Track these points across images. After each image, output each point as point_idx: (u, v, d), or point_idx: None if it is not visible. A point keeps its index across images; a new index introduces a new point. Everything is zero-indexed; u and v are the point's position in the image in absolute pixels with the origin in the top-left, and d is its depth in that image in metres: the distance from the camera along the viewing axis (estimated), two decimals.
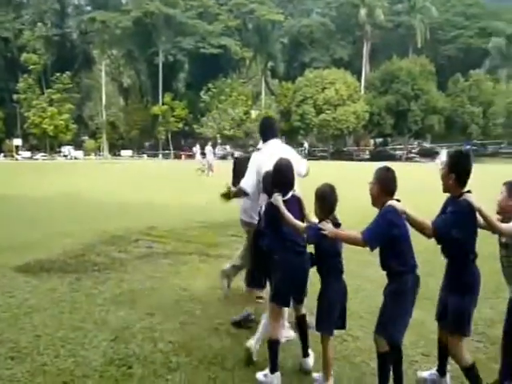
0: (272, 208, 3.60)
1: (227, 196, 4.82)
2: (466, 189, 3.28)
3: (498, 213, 3.40)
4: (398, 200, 3.27)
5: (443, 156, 38.00)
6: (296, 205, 3.66)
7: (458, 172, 3.25)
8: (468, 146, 59.49)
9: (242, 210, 4.92)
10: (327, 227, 3.28)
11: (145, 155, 65.39)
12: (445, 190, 3.36)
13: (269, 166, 3.88)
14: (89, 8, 74.06)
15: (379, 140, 67.26)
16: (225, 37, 66.78)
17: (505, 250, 3.43)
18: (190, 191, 18.16)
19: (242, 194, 4.64)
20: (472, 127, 57.47)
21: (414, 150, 61.73)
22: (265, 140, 4.72)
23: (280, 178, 3.67)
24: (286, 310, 3.94)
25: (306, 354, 3.80)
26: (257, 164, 4.47)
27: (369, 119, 57.85)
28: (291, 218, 3.47)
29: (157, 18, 63.91)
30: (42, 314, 4.85)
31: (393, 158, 55.91)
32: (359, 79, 63.27)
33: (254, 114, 60.49)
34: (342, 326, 3.57)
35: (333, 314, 3.44)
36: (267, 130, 4.76)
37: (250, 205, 4.75)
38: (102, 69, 68.45)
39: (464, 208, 3.18)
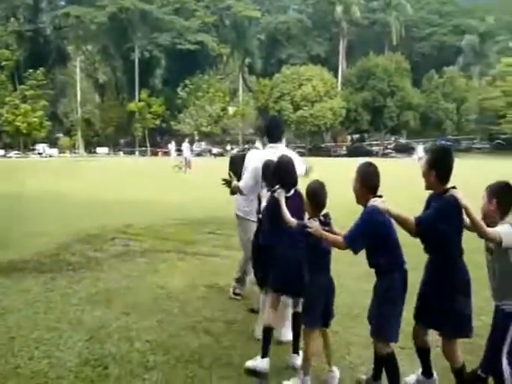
0: (273, 203, 3.70)
1: (229, 183, 4.78)
2: (449, 185, 3.19)
3: (482, 219, 3.21)
4: (381, 196, 3.22)
5: (420, 151, 38.58)
6: (298, 201, 3.69)
7: (438, 168, 3.17)
8: (442, 142, 60.62)
9: (237, 206, 5.03)
10: (314, 225, 3.28)
11: (121, 152, 64.59)
12: (427, 187, 3.28)
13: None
14: (63, 3, 72.54)
15: (356, 136, 67.83)
16: (202, 33, 66.37)
17: (490, 256, 3.30)
18: (167, 188, 18.03)
19: (239, 192, 4.73)
20: (446, 123, 58.47)
21: (390, 146, 62.49)
22: (272, 141, 4.68)
23: (283, 174, 3.75)
24: (290, 311, 3.95)
25: (295, 351, 3.80)
26: (255, 167, 4.47)
27: (346, 115, 58.30)
28: (286, 214, 3.54)
29: (132, 14, 63.13)
30: (16, 315, 4.75)
31: (369, 153, 56.43)
32: (336, 76, 63.65)
33: (231, 110, 60.42)
34: (324, 324, 3.55)
35: (315, 309, 3.43)
36: (276, 131, 4.75)
37: (245, 202, 4.82)
38: (76, 65, 67.26)
39: (450, 203, 3.10)
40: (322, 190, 3.48)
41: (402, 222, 3.17)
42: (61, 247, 7.69)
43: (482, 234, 3.09)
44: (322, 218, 3.43)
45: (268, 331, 3.65)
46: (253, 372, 3.57)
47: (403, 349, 3.76)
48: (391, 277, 3.21)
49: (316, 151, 59.59)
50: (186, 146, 28.83)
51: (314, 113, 56.34)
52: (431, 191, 3.30)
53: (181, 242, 8.15)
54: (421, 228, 3.14)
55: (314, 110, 56.49)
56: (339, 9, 66.19)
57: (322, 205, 3.47)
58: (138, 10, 62.65)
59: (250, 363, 3.62)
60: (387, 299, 3.20)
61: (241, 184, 4.65)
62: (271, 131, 4.73)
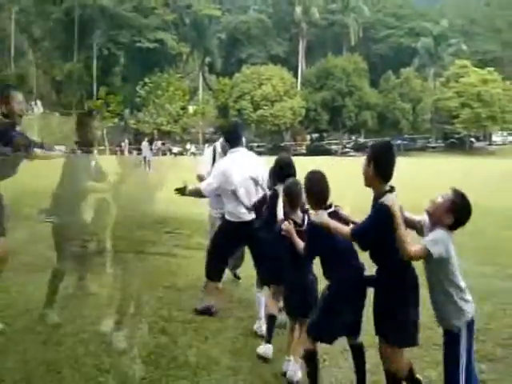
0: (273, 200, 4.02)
1: (181, 191, 4.82)
2: (389, 184, 3.01)
3: (430, 218, 3.02)
4: (330, 206, 3.20)
5: None
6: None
7: (377, 164, 2.97)
8: (399, 141, 62.15)
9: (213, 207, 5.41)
10: (323, 218, 3.15)
11: (78, 151, 62.65)
12: (366, 184, 3.07)
13: (240, 176, 4.48)
14: None
15: (315, 135, 68.58)
16: (161, 31, 65.60)
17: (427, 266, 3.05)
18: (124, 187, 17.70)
19: (199, 195, 4.84)
20: (403, 123, 59.96)
21: (348, 145, 63.54)
22: (232, 146, 4.78)
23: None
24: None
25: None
26: (222, 171, 4.63)
27: (305, 115, 58.91)
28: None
29: (90, 10, 61.70)
30: None
31: (329, 152, 57.22)
32: (296, 75, 64.18)
33: (191, 109, 59.97)
34: (303, 315, 3.60)
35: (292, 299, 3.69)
36: (236, 137, 4.84)
37: (220, 204, 4.99)
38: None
39: (381, 212, 2.90)
40: (323, 180, 3.36)
41: (341, 235, 3.08)
42: (16, 248, 7.46)
43: (404, 253, 2.85)
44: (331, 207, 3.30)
45: (272, 318, 3.98)
46: (263, 358, 3.89)
47: None
48: (336, 282, 3.25)
49: (276, 150, 59.82)
50: (145, 145, 28.33)
51: (273, 112, 56.66)
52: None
53: (138, 241, 8.06)
54: (356, 240, 3.06)
55: (273, 109, 56.81)
56: (299, 10, 66.83)
57: (325, 196, 3.34)
58: (96, 5, 61.31)
59: (260, 350, 3.93)
60: (327, 300, 3.24)
61: (202, 186, 4.76)
62: (231, 137, 4.84)
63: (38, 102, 53.19)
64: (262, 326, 4.35)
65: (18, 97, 4.10)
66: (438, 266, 2.91)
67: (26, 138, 4.10)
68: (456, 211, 2.89)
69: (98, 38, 62.82)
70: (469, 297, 3.00)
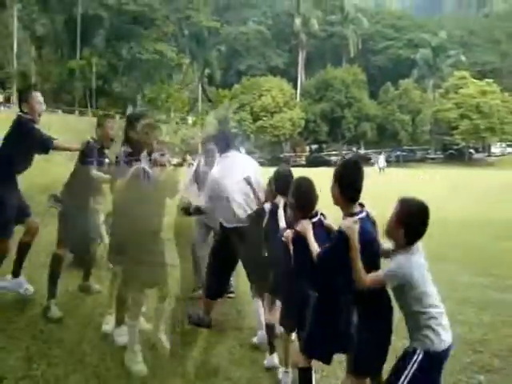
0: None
1: (187, 211, 4.82)
2: (359, 202, 2.91)
3: (387, 236, 2.85)
4: (362, 205, 2.98)
5: (381, 162, 39.77)
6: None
7: (342, 184, 2.84)
8: (398, 152, 62.41)
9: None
10: (303, 227, 3.08)
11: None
12: (335, 203, 2.94)
13: (232, 180, 4.34)
14: None
15: (315, 146, 68.82)
16: (161, 42, 66.00)
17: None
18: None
19: (201, 213, 4.82)
20: (402, 134, 60.18)
21: (347, 156, 63.70)
22: (222, 151, 4.67)
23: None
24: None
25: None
26: (213, 179, 4.49)
27: (304, 126, 59.14)
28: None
29: (91, 16, 61.64)
30: None
31: (328, 163, 57.30)
32: (295, 87, 64.55)
33: (190, 120, 60.19)
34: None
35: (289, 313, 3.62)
36: (224, 141, 4.71)
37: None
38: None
39: (338, 239, 2.79)
40: (310, 186, 3.26)
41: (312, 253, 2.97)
42: None
43: (359, 283, 2.72)
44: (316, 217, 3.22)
45: (271, 329, 3.98)
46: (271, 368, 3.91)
47: None
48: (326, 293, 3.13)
49: (275, 161, 59.97)
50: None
51: (273, 123, 56.88)
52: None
53: None
54: (320, 265, 2.91)
55: (273, 120, 57.05)
56: (298, 21, 67.37)
57: (312, 203, 3.24)
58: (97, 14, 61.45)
59: (267, 363, 3.94)
60: (318, 313, 3.13)
61: (203, 205, 4.66)
62: (220, 143, 4.78)
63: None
64: (259, 337, 4.33)
65: (39, 97, 4.50)
66: (399, 292, 2.74)
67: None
68: (404, 222, 2.70)
69: (100, 46, 62.84)
70: (440, 327, 2.70)
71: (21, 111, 4.45)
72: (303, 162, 61.02)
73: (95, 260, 4.54)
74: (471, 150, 62.80)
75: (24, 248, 4.57)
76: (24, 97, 4.51)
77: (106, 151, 4.60)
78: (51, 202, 4.41)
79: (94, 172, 4.37)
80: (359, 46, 70.57)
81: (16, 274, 4.55)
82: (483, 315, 5.37)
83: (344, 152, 64.38)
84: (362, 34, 70.92)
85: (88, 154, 4.23)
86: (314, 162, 56.86)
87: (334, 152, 64.75)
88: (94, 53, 60.69)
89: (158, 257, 3.60)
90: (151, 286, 3.63)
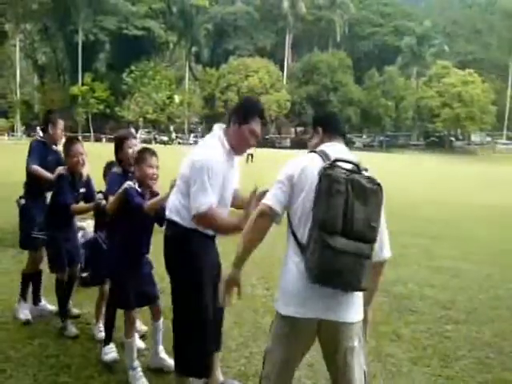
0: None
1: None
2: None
3: None
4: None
5: None
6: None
7: None
8: (381, 138, 63.31)
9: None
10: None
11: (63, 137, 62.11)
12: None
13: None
14: None
15: (300, 129, 69.27)
16: (148, 19, 65.32)
17: None
18: None
19: None
20: (385, 119, 60.98)
21: None
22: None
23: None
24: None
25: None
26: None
27: (290, 108, 59.49)
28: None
29: None
30: None
31: None
32: (282, 69, 64.64)
33: (177, 98, 60.05)
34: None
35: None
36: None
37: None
38: (16, 44, 63.92)
39: None
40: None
41: None
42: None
43: None
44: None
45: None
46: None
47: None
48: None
49: (261, 142, 60.46)
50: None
51: None
52: None
53: None
54: None
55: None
56: (286, 3, 67.11)
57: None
58: None
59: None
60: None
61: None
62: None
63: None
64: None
65: (61, 123, 4.61)
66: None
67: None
68: None
69: (83, 22, 62.16)
70: None
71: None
72: (288, 144, 61.56)
73: (76, 282, 4.41)
74: (452, 138, 64.09)
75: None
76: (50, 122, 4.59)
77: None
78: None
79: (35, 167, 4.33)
80: (346, 31, 70.71)
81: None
82: (453, 281, 6.09)
83: None
84: (348, 18, 71.01)
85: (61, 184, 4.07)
86: (299, 144, 57.38)
87: None
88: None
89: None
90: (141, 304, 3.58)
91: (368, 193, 2.11)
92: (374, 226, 2.12)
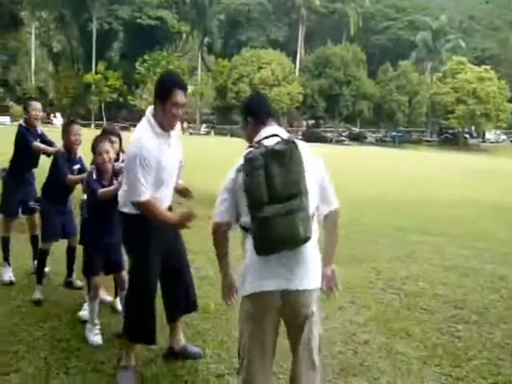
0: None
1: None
2: None
3: None
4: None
5: None
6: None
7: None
8: (394, 133, 62.89)
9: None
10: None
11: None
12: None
13: None
14: None
15: (312, 122, 69.01)
16: (162, 9, 65.25)
17: None
18: None
19: None
20: (398, 115, 60.46)
21: (344, 134, 64.14)
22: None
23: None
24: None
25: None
26: None
27: (302, 101, 59.16)
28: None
29: None
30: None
31: (324, 139, 57.77)
32: (294, 61, 64.28)
33: (189, 88, 60.00)
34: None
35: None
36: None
37: None
38: (31, 31, 64.46)
39: None
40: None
41: None
42: None
43: None
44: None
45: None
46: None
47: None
48: None
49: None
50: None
51: (271, 96, 56.73)
52: None
53: None
54: None
55: (271, 93, 56.98)
56: None
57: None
58: None
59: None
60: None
61: None
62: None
63: (58, 114, 54.48)
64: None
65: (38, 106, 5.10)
66: None
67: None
68: None
69: (98, 11, 62.37)
70: None
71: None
72: (300, 137, 61.43)
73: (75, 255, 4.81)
74: (466, 135, 63.46)
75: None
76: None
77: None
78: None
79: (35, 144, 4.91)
80: (360, 25, 70.03)
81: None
82: (466, 280, 6.02)
83: (340, 129, 64.73)
84: (363, 12, 70.31)
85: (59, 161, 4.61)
86: (311, 137, 57.20)
87: (330, 128, 65.07)
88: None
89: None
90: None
91: (283, 154, 2.25)
92: (297, 181, 2.25)
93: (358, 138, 62.24)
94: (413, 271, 6.15)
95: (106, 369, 3.35)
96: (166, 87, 3.08)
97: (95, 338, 3.71)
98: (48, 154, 4.80)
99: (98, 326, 3.79)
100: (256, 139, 2.53)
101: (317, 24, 73.30)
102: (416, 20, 70.61)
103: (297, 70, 63.89)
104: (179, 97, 3.05)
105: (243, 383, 2.47)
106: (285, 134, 2.50)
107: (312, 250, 2.45)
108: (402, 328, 4.34)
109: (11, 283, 4.78)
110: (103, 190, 3.67)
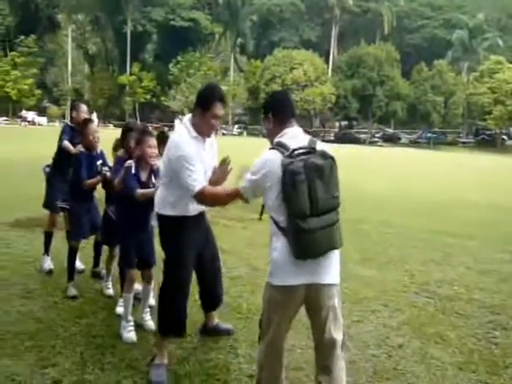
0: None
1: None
2: None
3: None
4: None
5: None
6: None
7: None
8: (429, 134, 61.79)
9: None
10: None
11: (111, 125, 63.93)
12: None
13: None
14: None
15: (344, 123, 68.45)
16: (195, 10, 65.94)
17: None
18: None
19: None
20: (433, 115, 59.34)
21: (377, 135, 63.39)
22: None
23: None
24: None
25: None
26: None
27: (335, 101, 58.74)
28: None
29: None
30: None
31: (357, 141, 57.27)
32: (327, 61, 63.94)
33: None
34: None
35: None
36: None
37: None
38: (67, 34, 66.25)
39: None
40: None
41: None
42: None
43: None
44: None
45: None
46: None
47: None
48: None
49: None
50: (177, 122, 29.10)
51: (303, 97, 56.67)
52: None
53: None
54: None
55: (304, 94, 56.85)
56: None
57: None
58: None
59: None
60: None
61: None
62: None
63: (94, 114, 55.64)
64: None
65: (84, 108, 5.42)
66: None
67: None
68: None
69: (132, 13, 63.53)
70: None
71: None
72: (332, 138, 61.00)
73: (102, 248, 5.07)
74: (504, 137, 61.70)
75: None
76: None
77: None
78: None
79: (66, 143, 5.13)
80: (394, 24, 69.08)
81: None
82: (502, 285, 5.86)
83: (373, 130, 63.98)
84: (397, 11, 69.36)
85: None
86: (343, 138, 56.80)
87: (363, 130, 64.38)
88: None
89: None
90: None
91: (323, 169, 2.45)
92: (337, 195, 2.50)
93: (391, 140, 61.35)
94: (447, 275, 6.02)
95: (140, 366, 3.39)
96: (208, 99, 3.23)
97: (129, 334, 3.77)
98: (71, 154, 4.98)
99: (132, 323, 3.86)
100: (277, 139, 2.69)
101: (350, 23, 72.71)
102: (452, 18, 69.15)
103: (329, 70, 63.50)
104: (218, 110, 3.23)
105: (266, 347, 2.74)
106: (306, 137, 2.69)
107: (336, 250, 2.65)
108: (436, 332, 4.26)
109: (50, 272, 5.05)
110: (142, 191, 3.75)
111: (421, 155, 39.06)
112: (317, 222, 2.43)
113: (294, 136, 2.67)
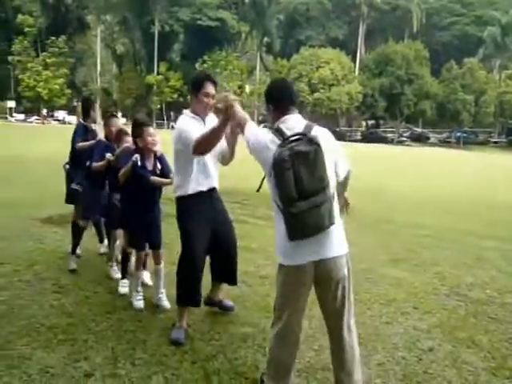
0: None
1: None
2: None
3: None
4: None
5: None
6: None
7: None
8: (458, 134, 60.63)
9: None
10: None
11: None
12: None
13: None
14: None
15: (371, 122, 67.76)
16: (221, 10, 66.18)
17: None
18: None
19: None
20: (464, 115, 58.25)
21: (405, 134, 62.53)
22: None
23: None
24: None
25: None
26: None
27: (362, 100, 58.23)
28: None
29: None
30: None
31: (384, 140, 56.62)
32: (354, 60, 63.42)
33: (248, 88, 60.46)
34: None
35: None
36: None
37: None
38: (96, 34, 67.36)
39: None
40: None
41: None
42: None
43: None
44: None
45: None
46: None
47: None
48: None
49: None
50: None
51: (330, 96, 56.35)
52: None
53: None
54: None
55: (330, 93, 56.50)
56: None
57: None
58: None
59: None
60: None
61: None
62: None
63: (120, 114, 57.31)
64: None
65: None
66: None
67: None
68: None
69: (159, 13, 64.16)
70: None
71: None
72: (359, 138, 60.47)
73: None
74: None
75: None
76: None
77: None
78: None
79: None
80: (423, 21, 68.05)
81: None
82: None
83: (401, 130, 63.14)
84: (426, 8, 68.31)
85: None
86: (370, 137, 56.23)
87: (390, 129, 63.61)
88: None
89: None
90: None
91: (308, 155, 2.55)
92: (321, 177, 2.59)
93: (419, 139, 60.44)
94: (479, 278, 5.89)
95: (170, 362, 3.43)
96: (199, 80, 3.67)
97: (138, 303, 4.26)
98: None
99: (141, 294, 4.32)
100: (276, 125, 2.82)
101: (377, 21, 71.94)
102: (484, 15, 67.65)
103: (356, 68, 62.98)
104: (209, 88, 3.63)
105: (278, 332, 2.87)
106: (303, 123, 2.80)
107: (335, 224, 2.73)
108: (468, 337, 4.17)
109: (73, 271, 5.14)
110: (157, 178, 4.18)
111: (451, 155, 38.42)
112: (304, 204, 2.57)
113: (293, 123, 2.80)
